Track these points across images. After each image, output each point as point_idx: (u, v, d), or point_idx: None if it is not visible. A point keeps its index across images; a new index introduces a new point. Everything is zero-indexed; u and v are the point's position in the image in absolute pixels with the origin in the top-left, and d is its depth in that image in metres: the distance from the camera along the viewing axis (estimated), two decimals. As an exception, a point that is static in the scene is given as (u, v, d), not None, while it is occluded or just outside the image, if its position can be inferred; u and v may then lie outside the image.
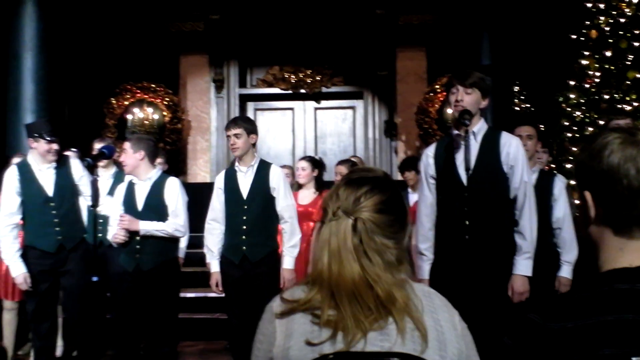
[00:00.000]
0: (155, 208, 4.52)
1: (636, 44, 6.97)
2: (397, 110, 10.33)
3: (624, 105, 6.79)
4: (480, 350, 1.49)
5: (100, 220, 5.03)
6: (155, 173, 4.63)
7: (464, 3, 8.62)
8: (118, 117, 9.82)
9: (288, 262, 4.56)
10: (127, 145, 4.62)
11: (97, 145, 5.47)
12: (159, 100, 9.94)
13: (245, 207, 4.48)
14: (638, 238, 1.21)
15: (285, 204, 4.54)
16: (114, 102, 9.86)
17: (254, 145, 4.60)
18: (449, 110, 3.52)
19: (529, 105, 9.08)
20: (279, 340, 1.42)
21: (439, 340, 1.40)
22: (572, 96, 7.27)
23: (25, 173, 4.71)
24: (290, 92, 10.58)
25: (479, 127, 3.52)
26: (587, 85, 7.18)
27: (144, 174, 4.58)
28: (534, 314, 1.17)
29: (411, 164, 6.10)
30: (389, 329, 1.38)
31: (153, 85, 9.99)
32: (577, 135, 7.07)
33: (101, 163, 5.24)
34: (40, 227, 4.70)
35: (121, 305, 4.85)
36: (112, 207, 4.65)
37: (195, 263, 6.57)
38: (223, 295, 4.60)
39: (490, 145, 3.49)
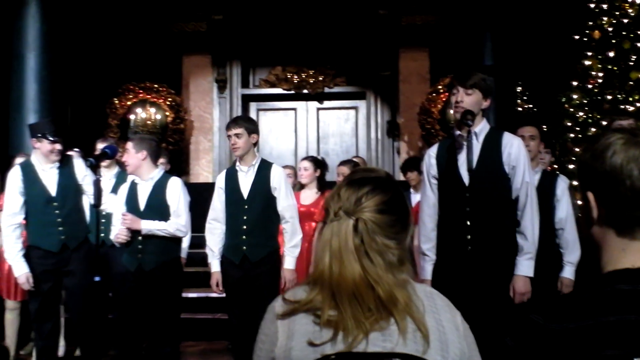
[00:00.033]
0: (157, 208, 4.52)
1: (639, 44, 6.96)
2: (400, 111, 10.32)
3: (627, 106, 6.78)
4: (482, 351, 1.49)
5: (103, 220, 5.04)
6: (157, 173, 4.63)
7: (466, 3, 8.62)
8: (121, 117, 9.84)
9: (289, 262, 4.55)
10: (129, 145, 4.63)
11: (100, 145, 5.47)
12: (161, 101, 9.95)
13: (246, 207, 4.48)
14: (641, 239, 1.21)
15: (287, 204, 4.53)
16: (116, 102, 9.88)
17: (255, 145, 4.59)
18: (452, 111, 3.52)
19: (531, 106, 9.08)
20: (281, 340, 1.42)
21: (441, 341, 1.40)
22: (574, 97, 7.27)
23: (29, 173, 4.72)
24: (292, 92, 10.58)
25: (481, 127, 3.52)
26: (589, 86, 7.17)
27: (146, 174, 4.58)
28: (536, 314, 1.17)
29: (413, 164, 6.10)
30: (390, 329, 1.38)
31: (156, 86, 10.00)
32: (580, 136, 7.06)
33: (104, 163, 5.24)
34: (43, 227, 4.71)
35: (123, 305, 4.86)
36: (115, 206, 4.65)
37: (197, 263, 6.58)
38: (224, 295, 4.61)
39: (492, 145, 3.49)
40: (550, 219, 4.20)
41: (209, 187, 4.70)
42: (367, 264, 1.41)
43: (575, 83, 7.32)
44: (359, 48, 10.31)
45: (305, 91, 10.54)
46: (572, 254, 4.23)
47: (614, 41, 7.08)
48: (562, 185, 4.33)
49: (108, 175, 5.49)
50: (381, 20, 10.12)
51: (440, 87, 9.47)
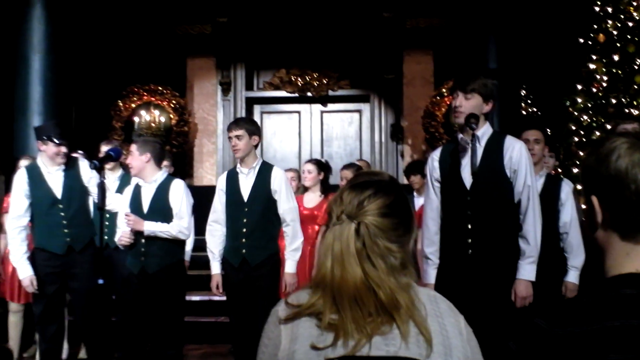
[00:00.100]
0: (161, 210, 4.53)
1: (644, 48, 6.95)
2: (404, 114, 10.32)
3: (632, 110, 6.76)
4: (485, 355, 1.48)
5: (107, 223, 5.04)
6: (160, 175, 4.64)
7: (471, 6, 8.61)
8: (125, 120, 9.86)
9: (290, 265, 4.54)
10: (133, 147, 4.64)
11: (104, 148, 5.48)
12: (165, 103, 9.97)
13: (246, 209, 4.46)
14: (645, 243, 1.20)
15: (287, 206, 4.51)
16: (121, 104, 9.90)
17: (256, 146, 4.57)
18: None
19: (535, 109, 9.07)
20: (284, 344, 1.42)
21: (445, 345, 1.39)
22: (579, 100, 7.25)
23: (34, 175, 4.73)
24: (296, 95, 10.59)
25: (483, 131, 3.52)
26: (594, 90, 7.16)
27: (149, 176, 4.59)
28: (540, 319, 1.17)
29: (417, 167, 6.09)
30: (393, 333, 1.37)
31: (160, 88, 10.02)
32: (584, 140, 7.05)
33: (108, 165, 5.26)
34: (48, 229, 4.72)
35: (127, 308, 4.85)
36: (120, 206, 4.66)
37: (200, 266, 6.57)
38: (224, 297, 4.60)
39: (494, 149, 3.49)
40: (554, 223, 4.18)
41: (212, 190, 4.70)
42: (369, 267, 1.41)
43: (579, 86, 7.31)
44: (363, 51, 10.31)
45: (309, 94, 10.54)
46: (576, 258, 4.22)
47: (618, 45, 7.07)
48: (567, 189, 4.31)
49: (112, 177, 5.50)
50: (385, 23, 10.12)
51: (444, 90, 9.46)
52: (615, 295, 1.15)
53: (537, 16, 8.75)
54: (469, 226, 3.43)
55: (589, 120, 7.12)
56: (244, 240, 4.44)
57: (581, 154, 6.82)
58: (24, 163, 5.30)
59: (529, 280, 3.41)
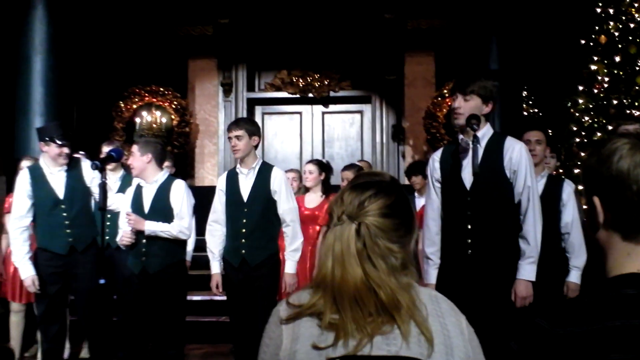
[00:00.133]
0: (162, 211, 4.53)
1: (645, 49, 6.95)
2: (405, 115, 10.32)
3: (633, 111, 6.77)
4: (487, 355, 1.48)
5: (108, 223, 5.05)
6: (162, 176, 4.64)
7: (472, 7, 8.61)
8: (126, 121, 9.87)
9: (290, 266, 4.54)
10: (134, 148, 4.65)
11: (106, 148, 5.49)
12: (167, 104, 9.98)
13: (245, 210, 4.46)
14: (646, 243, 1.20)
15: (287, 207, 4.50)
16: (122, 105, 9.91)
17: (256, 147, 4.57)
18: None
19: (537, 110, 9.07)
20: (285, 344, 1.42)
21: (446, 345, 1.39)
22: (580, 101, 7.26)
23: (37, 176, 4.75)
24: (298, 96, 10.59)
25: (484, 132, 3.53)
26: (595, 91, 7.16)
27: (151, 176, 4.59)
28: (541, 319, 1.17)
29: (418, 168, 6.10)
30: (394, 333, 1.37)
31: (161, 89, 10.03)
32: (586, 141, 7.06)
33: (109, 166, 5.26)
34: (51, 230, 4.73)
35: (128, 308, 4.86)
36: (122, 206, 4.66)
37: (202, 266, 6.56)
38: (224, 297, 4.60)
39: (494, 150, 3.50)
40: (556, 224, 4.19)
41: (213, 191, 4.70)
42: (369, 268, 1.41)
43: (581, 87, 7.32)
44: (365, 52, 10.32)
45: (310, 95, 10.55)
46: (578, 258, 4.23)
47: (620, 46, 7.08)
48: (568, 189, 4.32)
49: (113, 178, 5.50)
50: (387, 24, 10.12)
51: (445, 91, 9.45)
52: (616, 295, 1.15)
53: (538, 17, 8.75)
54: (469, 226, 3.45)
55: (590, 121, 7.13)
56: (243, 240, 4.44)
57: (582, 154, 6.83)
58: (25, 164, 5.31)
59: (528, 281, 3.42)
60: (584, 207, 4.60)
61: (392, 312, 1.37)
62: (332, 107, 10.76)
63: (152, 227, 4.47)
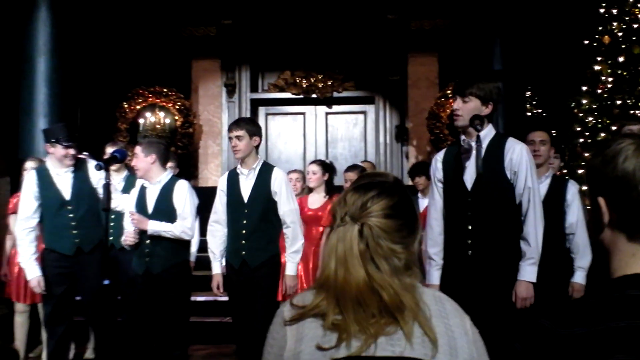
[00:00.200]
0: (165, 211, 4.54)
1: (649, 49, 6.94)
2: (409, 115, 10.32)
3: (637, 111, 6.76)
4: (491, 356, 1.48)
5: (112, 224, 5.05)
6: (165, 176, 4.65)
7: (476, 8, 8.61)
8: (130, 121, 9.89)
9: (290, 268, 4.52)
10: (138, 149, 4.66)
11: (109, 149, 5.50)
12: (170, 105, 9.99)
13: (246, 210, 4.43)
14: (651, 244, 1.20)
15: (288, 208, 4.47)
16: (126, 106, 9.93)
17: (257, 147, 4.54)
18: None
19: (540, 111, 9.06)
20: (289, 344, 1.42)
21: (450, 346, 1.39)
22: (584, 101, 7.25)
23: (44, 177, 4.76)
24: (301, 96, 10.60)
25: (485, 132, 3.53)
26: (599, 91, 7.15)
27: (154, 177, 4.60)
28: (545, 319, 1.17)
29: (421, 169, 6.09)
30: (398, 333, 1.37)
31: (165, 90, 10.04)
32: (589, 141, 7.05)
33: (113, 167, 5.26)
34: (57, 231, 4.74)
35: (132, 308, 4.86)
36: (126, 206, 4.67)
37: (205, 267, 6.54)
38: (226, 297, 4.60)
39: (495, 150, 3.50)
40: (560, 224, 4.19)
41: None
42: (372, 269, 1.41)
43: (584, 88, 7.31)
44: (368, 53, 10.32)
45: (314, 96, 10.55)
46: (583, 258, 4.22)
47: (623, 46, 7.06)
48: (573, 189, 4.31)
49: (117, 178, 5.51)
50: (390, 25, 10.12)
51: (449, 92, 9.45)
52: (621, 296, 1.15)
53: (542, 18, 8.74)
54: (470, 227, 3.45)
55: (594, 122, 7.12)
56: (243, 241, 4.42)
57: (586, 155, 6.82)
58: (29, 164, 5.32)
59: (529, 282, 3.42)
60: (588, 207, 4.59)
61: (395, 313, 1.37)
62: (335, 108, 10.76)
63: (155, 226, 4.47)
